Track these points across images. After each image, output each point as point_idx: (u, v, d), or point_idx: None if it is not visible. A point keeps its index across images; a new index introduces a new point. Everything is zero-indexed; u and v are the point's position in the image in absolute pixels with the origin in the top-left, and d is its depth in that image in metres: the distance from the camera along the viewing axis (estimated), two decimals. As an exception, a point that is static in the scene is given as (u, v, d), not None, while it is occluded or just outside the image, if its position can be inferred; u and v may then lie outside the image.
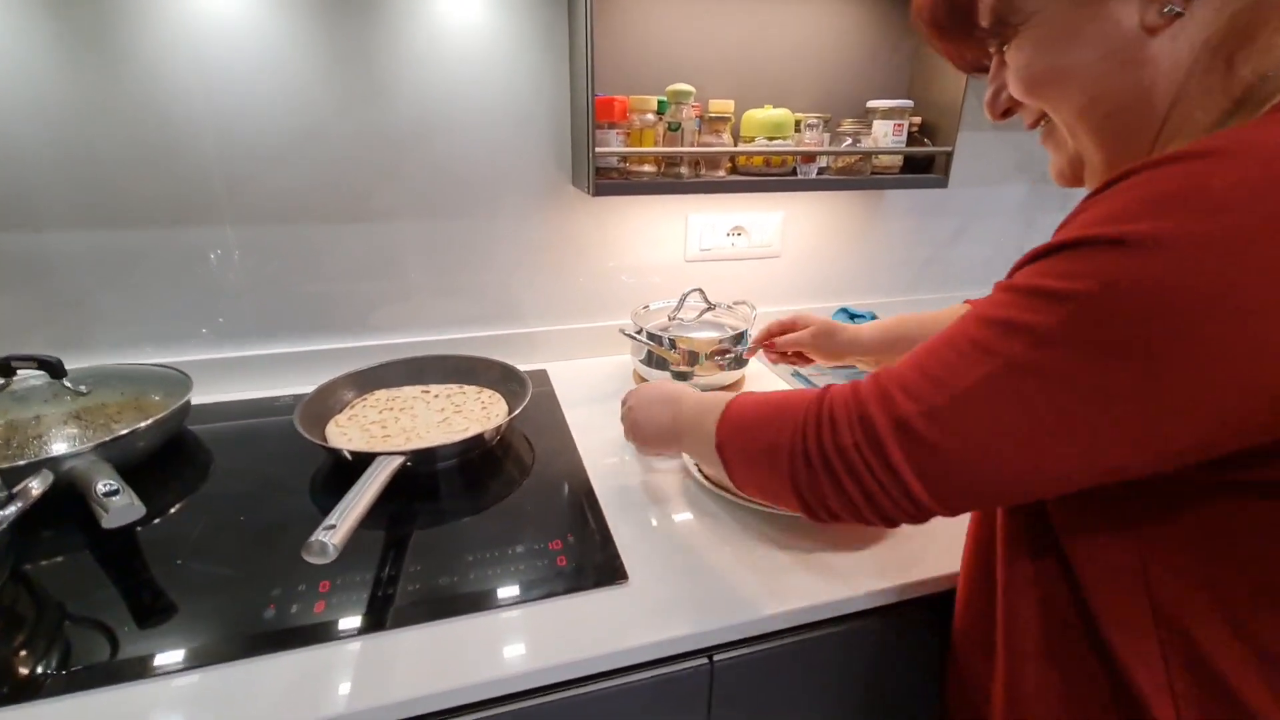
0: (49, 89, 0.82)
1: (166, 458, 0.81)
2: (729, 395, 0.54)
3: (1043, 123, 0.47)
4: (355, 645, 0.54)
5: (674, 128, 0.94)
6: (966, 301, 0.68)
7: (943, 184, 1.06)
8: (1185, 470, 0.35)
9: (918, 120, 1.08)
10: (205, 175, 0.90)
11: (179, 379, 0.86)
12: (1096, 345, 0.33)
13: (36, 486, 0.54)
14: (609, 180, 0.94)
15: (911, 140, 1.06)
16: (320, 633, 0.54)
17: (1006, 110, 0.47)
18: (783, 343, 0.85)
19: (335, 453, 0.77)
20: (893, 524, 0.43)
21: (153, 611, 0.57)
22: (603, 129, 0.92)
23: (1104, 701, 0.43)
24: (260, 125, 0.90)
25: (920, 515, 0.41)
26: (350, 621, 0.56)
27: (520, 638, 0.55)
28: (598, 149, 0.89)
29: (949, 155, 1.04)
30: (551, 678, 0.53)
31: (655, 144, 0.95)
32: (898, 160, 1.07)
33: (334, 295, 1.01)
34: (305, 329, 1.02)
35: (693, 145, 0.97)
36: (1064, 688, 0.45)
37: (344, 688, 0.50)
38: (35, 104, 0.82)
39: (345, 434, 0.81)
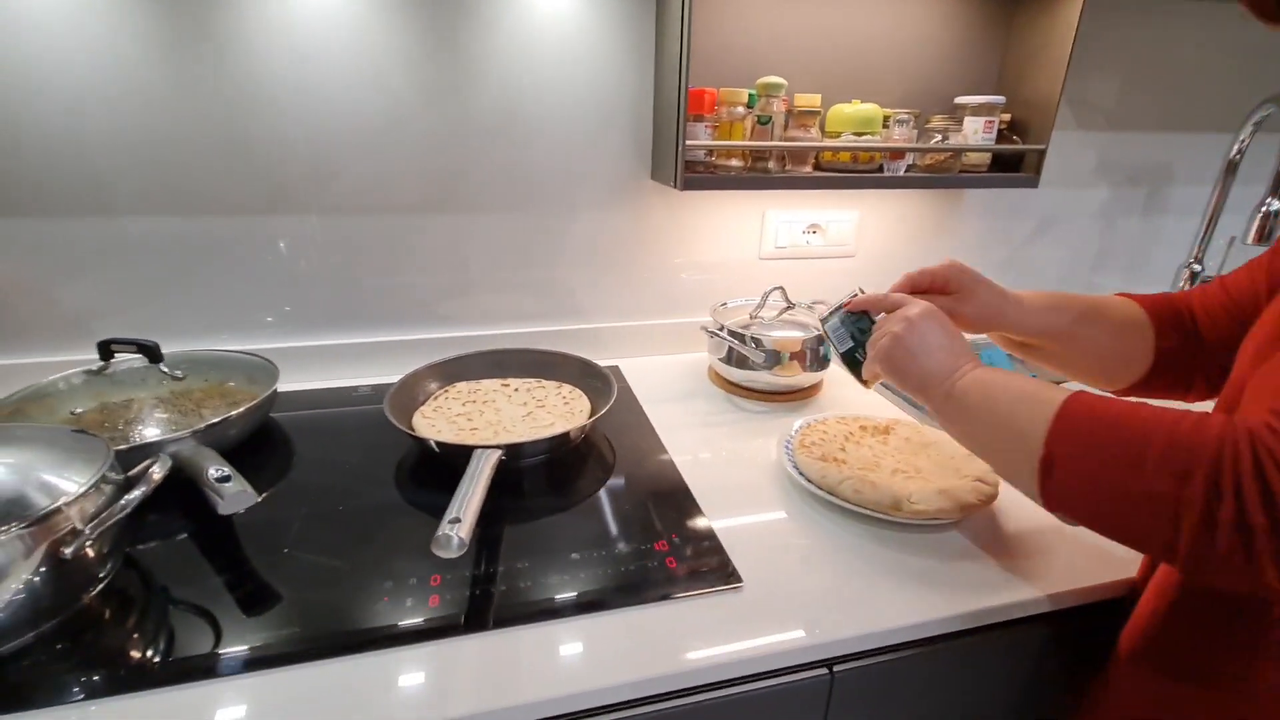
0: (143, 78, 0.82)
1: (255, 446, 0.81)
2: (1047, 385, 0.47)
3: None
4: (475, 641, 0.52)
5: (764, 121, 0.92)
6: (1118, 295, 0.66)
7: (1034, 183, 1.02)
8: None
9: (1007, 117, 1.04)
10: (292, 164, 0.90)
11: (265, 366, 0.86)
12: None
13: (158, 471, 0.53)
14: (696, 174, 0.92)
15: (1001, 138, 1.03)
16: (439, 628, 0.53)
17: None
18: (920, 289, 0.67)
19: (423, 444, 0.76)
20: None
21: (262, 600, 0.56)
22: (691, 121, 0.90)
23: None
24: (348, 116, 0.89)
25: None
26: (467, 617, 0.54)
27: (641, 639, 0.53)
28: (687, 141, 0.87)
29: (1042, 153, 1.00)
30: (674, 684, 0.52)
31: (744, 137, 0.93)
32: (986, 158, 1.04)
33: (410, 287, 1.01)
34: (379, 319, 1.01)
35: (781, 139, 0.94)
36: None
37: (471, 685, 0.48)
38: (130, 94, 0.82)
39: (434, 425, 0.80)
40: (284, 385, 0.96)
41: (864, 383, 0.66)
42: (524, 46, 0.92)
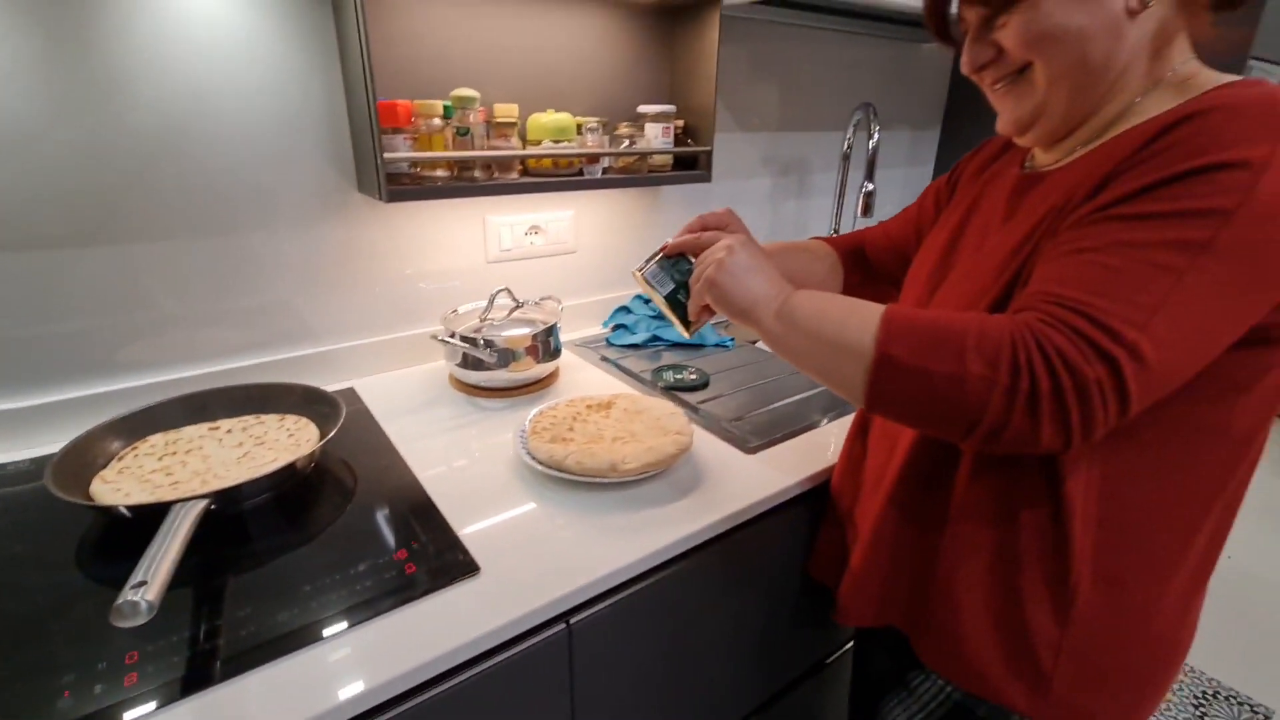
0: None
1: None
2: (862, 301, 0.55)
3: (1005, 79, 0.57)
4: (186, 706, 0.49)
5: (463, 133, 0.96)
6: (813, 238, 0.88)
7: (707, 179, 1.22)
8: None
9: (680, 123, 1.22)
10: None
11: None
12: (1250, 247, 0.43)
13: None
14: (402, 186, 0.92)
15: (678, 141, 1.20)
16: (137, 705, 0.49)
17: (984, 65, 0.57)
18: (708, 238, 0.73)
19: (109, 512, 0.66)
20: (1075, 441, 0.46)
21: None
22: (388, 134, 0.90)
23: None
24: (-68, 134, 0.72)
25: (1116, 425, 0.46)
26: (174, 684, 0.50)
27: (380, 649, 0.55)
28: (386, 154, 0.87)
29: (709, 154, 1.19)
30: (416, 679, 0.54)
31: (445, 148, 0.96)
32: (669, 159, 1.21)
33: (75, 335, 0.85)
34: (35, 378, 0.84)
35: (483, 149, 0.99)
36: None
37: (185, 751, 0.46)
38: None
39: (119, 489, 0.70)
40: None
41: (687, 326, 0.71)
42: (175, 53, 0.83)
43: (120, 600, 0.45)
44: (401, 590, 0.61)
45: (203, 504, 0.62)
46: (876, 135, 1.34)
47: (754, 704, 0.95)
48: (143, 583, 0.47)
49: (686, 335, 0.74)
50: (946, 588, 0.62)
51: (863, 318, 0.52)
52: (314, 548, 0.68)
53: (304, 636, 0.55)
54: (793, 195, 1.62)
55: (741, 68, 1.40)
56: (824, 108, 1.60)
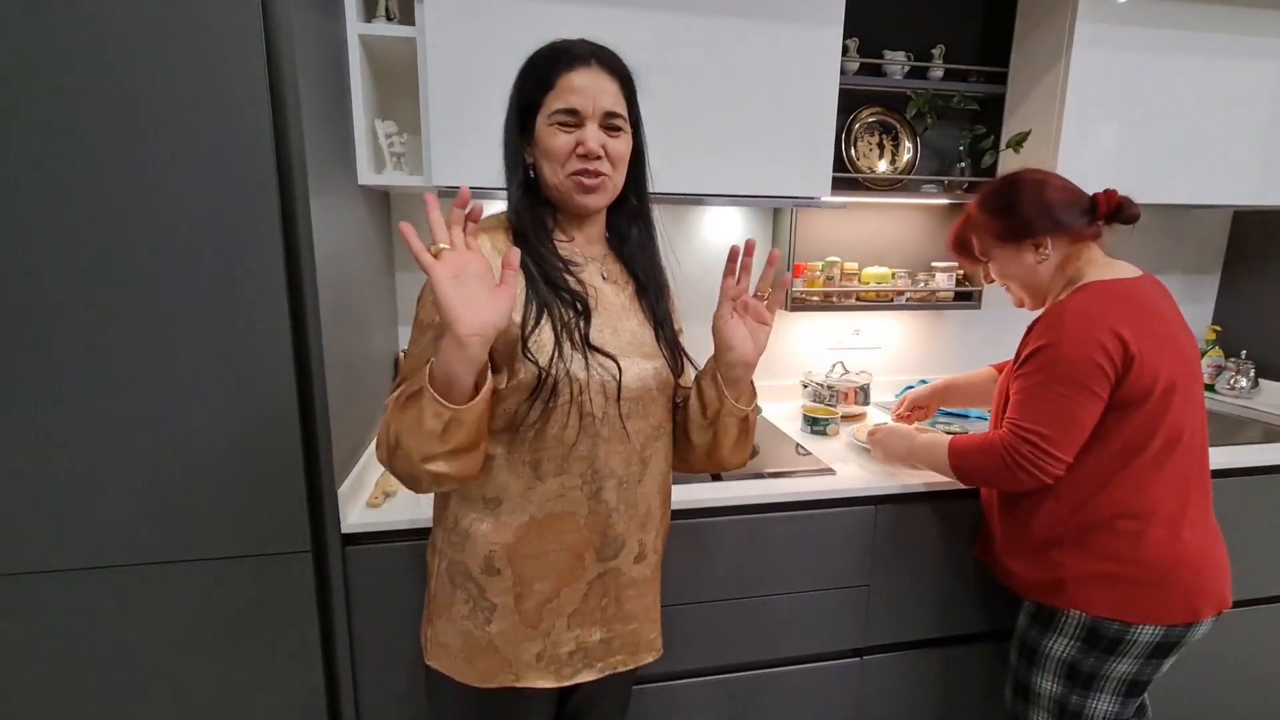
0: None
1: None
2: (943, 436, 1.27)
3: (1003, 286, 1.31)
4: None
5: (830, 278, 1.83)
6: (991, 366, 1.52)
7: (977, 307, 1.90)
8: None
9: (962, 272, 1.93)
10: None
11: None
12: (1058, 376, 1.12)
13: None
14: (795, 304, 1.82)
15: (958, 282, 1.91)
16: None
17: (992, 280, 1.31)
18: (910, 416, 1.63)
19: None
20: (1041, 484, 1.12)
21: None
22: (797, 278, 1.82)
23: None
24: None
25: (1054, 475, 1.11)
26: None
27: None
28: (793, 289, 1.79)
29: (981, 292, 1.88)
30: (810, 499, 1.33)
31: (819, 285, 1.84)
32: (951, 294, 1.92)
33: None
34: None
35: (838, 286, 1.85)
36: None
37: None
38: None
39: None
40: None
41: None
42: (708, 244, 1.88)
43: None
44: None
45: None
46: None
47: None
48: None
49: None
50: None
51: (940, 446, 1.24)
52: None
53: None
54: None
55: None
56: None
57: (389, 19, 1.36)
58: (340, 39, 1.25)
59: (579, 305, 0.86)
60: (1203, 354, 2.14)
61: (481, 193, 1.24)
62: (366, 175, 1.34)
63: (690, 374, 1.01)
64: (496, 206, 0.96)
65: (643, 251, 0.97)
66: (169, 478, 1.05)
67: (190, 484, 1.05)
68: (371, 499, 1.20)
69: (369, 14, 1.35)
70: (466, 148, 1.29)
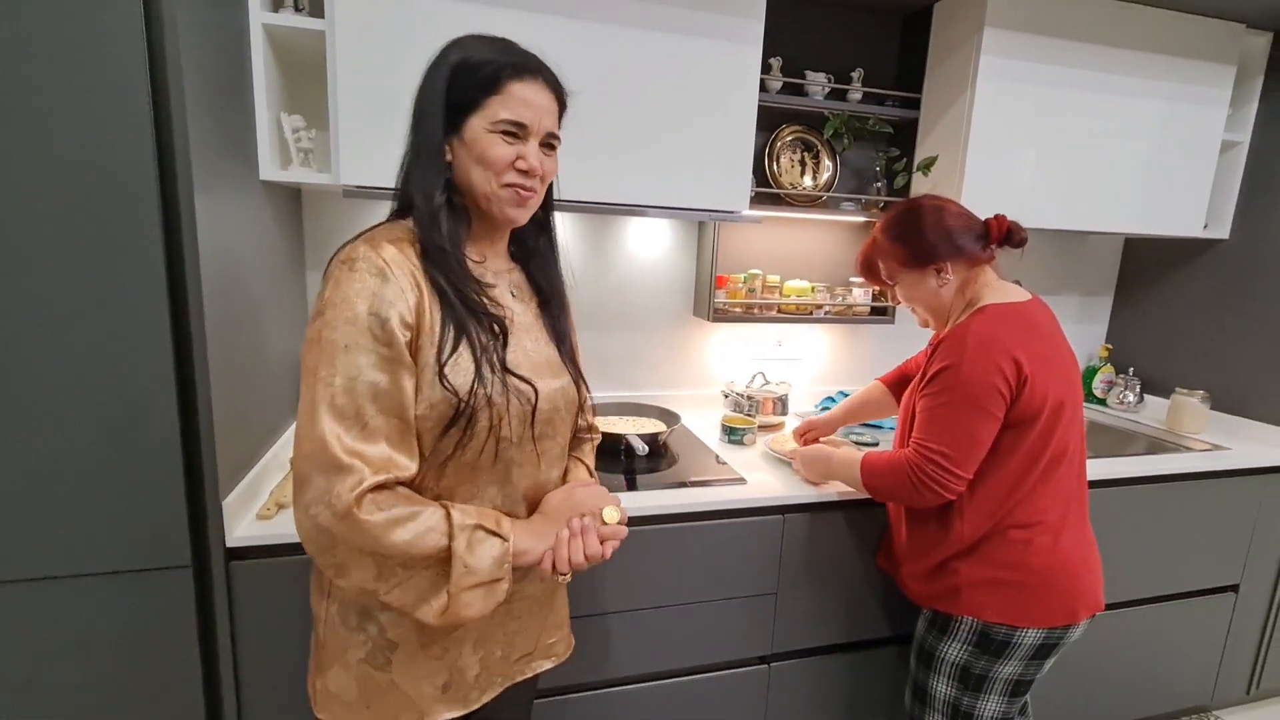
0: None
1: None
2: (857, 454, 1.31)
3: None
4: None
5: (751, 290, 1.87)
6: (877, 379, 1.58)
7: (892, 321, 1.97)
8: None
9: (878, 289, 2.00)
10: None
11: None
12: (960, 398, 1.17)
13: None
14: (718, 314, 1.85)
15: (875, 298, 1.99)
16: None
17: (899, 302, 1.36)
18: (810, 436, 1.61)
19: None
20: (945, 500, 1.18)
21: None
22: (718, 290, 1.85)
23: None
24: None
25: (956, 492, 1.16)
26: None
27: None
28: (716, 300, 1.81)
29: (895, 308, 1.95)
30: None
31: (740, 297, 1.88)
32: (867, 308, 1.99)
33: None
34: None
35: (759, 298, 1.89)
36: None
37: None
38: None
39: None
40: None
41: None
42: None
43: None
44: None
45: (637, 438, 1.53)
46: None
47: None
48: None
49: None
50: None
51: (853, 463, 1.29)
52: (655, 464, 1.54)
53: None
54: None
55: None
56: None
57: (298, 10, 1.30)
58: (241, 28, 1.19)
59: (495, 328, 0.84)
60: (1095, 371, 2.30)
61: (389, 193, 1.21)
62: (270, 171, 1.28)
63: (588, 400, 1.04)
64: (383, 207, 0.94)
65: (548, 264, 0.97)
66: (38, 489, 0.97)
67: (62, 496, 0.98)
68: (263, 510, 1.14)
69: (276, 3, 1.29)
70: (376, 146, 1.25)
